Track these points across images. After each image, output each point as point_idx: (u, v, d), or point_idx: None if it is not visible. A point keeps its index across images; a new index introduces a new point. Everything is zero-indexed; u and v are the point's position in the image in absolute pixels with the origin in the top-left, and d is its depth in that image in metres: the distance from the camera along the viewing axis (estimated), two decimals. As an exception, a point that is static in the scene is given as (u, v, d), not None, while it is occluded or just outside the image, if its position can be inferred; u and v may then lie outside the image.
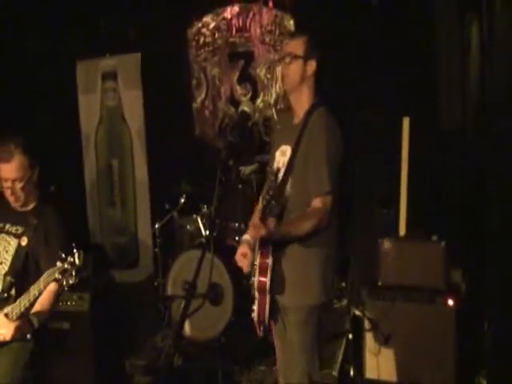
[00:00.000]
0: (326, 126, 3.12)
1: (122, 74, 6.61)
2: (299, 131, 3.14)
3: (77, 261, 2.96)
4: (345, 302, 4.64)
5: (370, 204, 5.11)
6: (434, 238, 4.40)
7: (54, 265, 3.09)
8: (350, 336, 4.38)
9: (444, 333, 4.07)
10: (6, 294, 3.21)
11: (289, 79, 3.20)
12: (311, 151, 3.08)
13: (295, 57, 3.13)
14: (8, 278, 3.25)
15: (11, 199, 3.32)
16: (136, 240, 6.60)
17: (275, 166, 3.23)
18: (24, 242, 3.27)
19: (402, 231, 4.73)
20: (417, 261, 4.33)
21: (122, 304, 5.42)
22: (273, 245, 3.02)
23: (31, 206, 3.41)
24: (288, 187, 3.11)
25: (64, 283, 2.99)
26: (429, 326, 4.12)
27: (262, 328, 3.10)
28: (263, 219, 2.94)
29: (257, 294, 3.04)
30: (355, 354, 4.37)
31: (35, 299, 3.10)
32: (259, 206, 3.14)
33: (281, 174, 3.14)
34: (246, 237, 3.24)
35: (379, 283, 4.43)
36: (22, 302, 3.11)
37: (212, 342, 4.92)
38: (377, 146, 5.17)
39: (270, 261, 3.00)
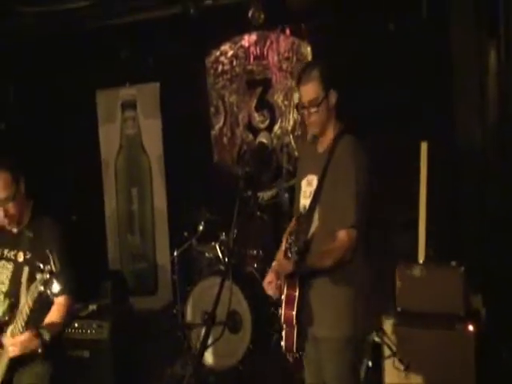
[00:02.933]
0: (354, 154, 3.00)
1: (141, 103, 6.70)
2: (325, 160, 3.03)
3: (53, 268, 2.94)
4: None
5: (388, 229, 5.07)
6: (454, 263, 4.35)
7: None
8: (370, 363, 4.34)
9: (464, 359, 4.01)
10: (7, 317, 3.20)
11: (317, 124, 3.08)
12: (339, 181, 2.97)
13: (319, 104, 3.02)
14: (7, 301, 3.24)
15: (5, 221, 3.26)
16: (155, 267, 6.63)
17: (301, 196, 3.16)
18: (20, 257, 3.24)
19: (421, 256, 4.68)
20: (436, 286, 4.28)
21: (141, 331, 5.42)
22: (300, 277, 2.96)
23: (26, 221, 3.34)
24: (315, 218, 3.03)
25: (49, 293, 2.97)
26: (449, 352, 4.06)
27: (291, 357, 3.05)
28: (287, 256, 2.92)
29: (284, 327, 2.99)
30: (375, 382, 4.32)
31: (28, 316, 3.06)
32: (283, 244, 3.07)
33: (306, 206, 3.07)
34: (275, 264, 3.17)
35: (398, 309, 4.38)
36: (19, 322, 3.08)
37: (230, 370, 4.89)
38: (395, 170, 5.15)
39: (296, 293, 2.94)
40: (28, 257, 3.21)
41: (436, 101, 5.23)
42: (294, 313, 2.93)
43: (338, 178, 2.98)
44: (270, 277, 3.09)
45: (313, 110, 3.03)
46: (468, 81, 5.16)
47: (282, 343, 3.04)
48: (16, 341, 3.06)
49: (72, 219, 6.23)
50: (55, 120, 6.71)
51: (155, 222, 6.65)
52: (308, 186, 3.13)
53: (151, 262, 6.66)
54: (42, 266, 2.97)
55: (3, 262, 3.33)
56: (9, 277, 3.29)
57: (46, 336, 3.12)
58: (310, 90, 3.03)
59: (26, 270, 3.19)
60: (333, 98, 3.05)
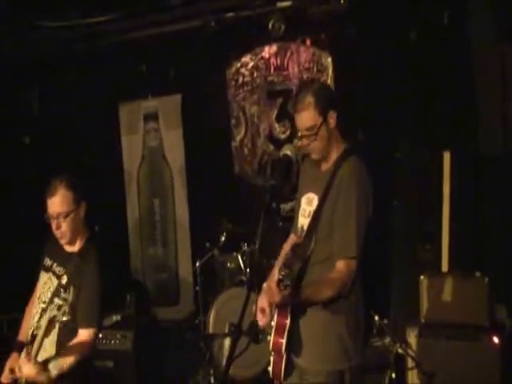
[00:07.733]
0: (358, 180, 2.88)
1: (163, 114, 6.77)
2: (327, 181, 2.92)
3: (70, 297, 3.07)
4: (387, 339, 4.57)
5: (412, 240, 5.04)
6: (478, 273, 4.32)
7: (85, 311, 3.15)
8: (393, 375, 4.31)
9: (489, 371, 3.98)
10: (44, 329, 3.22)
11: (318, 150, 2.96)
12: (339, 208, 2.87)
13: (317, 131, 2.88)
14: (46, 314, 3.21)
15: (57, 235, 3.28)
16: (177, 278, 6.66)
17: (300, 214, 3.06)
18: (64, 280, 3.24)
19: (445, 267, 4.66)
20: (460, 297, 4.26)
21: (164, 342, 5.44)
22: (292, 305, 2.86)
23: (78, 247, 3.36)
24: (313, 241, 2.92)
25: (59, 320, 3.07)
26: (473, 364, 4.02)
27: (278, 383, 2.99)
28: (279, 287, 2.71)
29: (272, 354, 2.93)
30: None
31: (42, 340, 3.09)
32: (277, 268, 2.90)
33: (305, 227, 2.97)
34: (266, 289, 3.03)
35: (422, 320, 4.36)
36: (35, 346, 3.11)
37: (253, 381, 4.89)
38: (418, 181, 5.13)
39: (288, 321, 2.85)
40: (66, 281, 3.22)
41: (458, 110, 5.20)
42: (284, 341, 2.84)
43: (339, 203, 2.87)
44: (262, 302, 2.98)
45: (311, 138, 2.90)
46: (490, 89, 5.14)
47: (270, 369, 2.97)
48: (24, 369, 3.04)
49: (95, 230, 6.26)
50: (79, 132, 6.78)
51: (177, 233, 6.69)
52: (308, 205, 3.02)
53: (173, 273, 6.70)
54: (62, 291, 3.09)
55: (50, 274, 3.35)
56: (51, 291, 3.29)
57: (54, 372, 3.09)
58: (305, 118, 2.89)
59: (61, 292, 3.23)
60: (332, 119, 2.92)
